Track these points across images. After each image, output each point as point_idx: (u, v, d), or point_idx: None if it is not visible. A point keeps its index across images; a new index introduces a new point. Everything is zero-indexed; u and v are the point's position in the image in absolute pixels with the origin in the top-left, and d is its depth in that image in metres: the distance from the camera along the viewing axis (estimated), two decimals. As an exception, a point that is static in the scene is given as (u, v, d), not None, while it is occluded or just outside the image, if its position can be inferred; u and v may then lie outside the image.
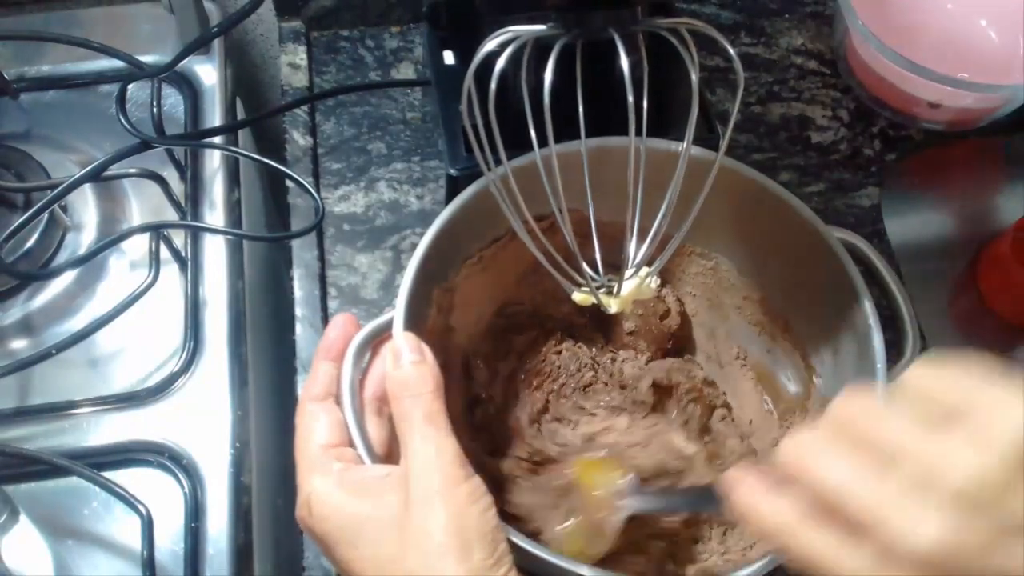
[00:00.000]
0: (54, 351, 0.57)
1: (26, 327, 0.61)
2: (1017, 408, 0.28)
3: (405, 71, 0.75)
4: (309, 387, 0.42)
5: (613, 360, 0.57)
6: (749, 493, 0.33)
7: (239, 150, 0.69)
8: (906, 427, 0.30)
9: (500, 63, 0.41)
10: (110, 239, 0.59)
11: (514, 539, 0.40)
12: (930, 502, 0.28)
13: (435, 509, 0.35)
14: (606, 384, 0.56)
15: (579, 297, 0.47)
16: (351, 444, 0.40)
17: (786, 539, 0.32)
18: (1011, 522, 0.27)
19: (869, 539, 0.29)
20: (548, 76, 0.40)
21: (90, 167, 0.57)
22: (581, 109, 0.43)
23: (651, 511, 0.47)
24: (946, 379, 0.30)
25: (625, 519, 0.45)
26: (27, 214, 0.56)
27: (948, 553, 0.28)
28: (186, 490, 0.55)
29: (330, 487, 0.38)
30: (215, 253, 0.64)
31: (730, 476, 0.34)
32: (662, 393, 0.55)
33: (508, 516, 0.50)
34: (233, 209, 0.67)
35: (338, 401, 0.41)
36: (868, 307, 0.46)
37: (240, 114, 0.76)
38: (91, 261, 0.61)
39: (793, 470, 0.31)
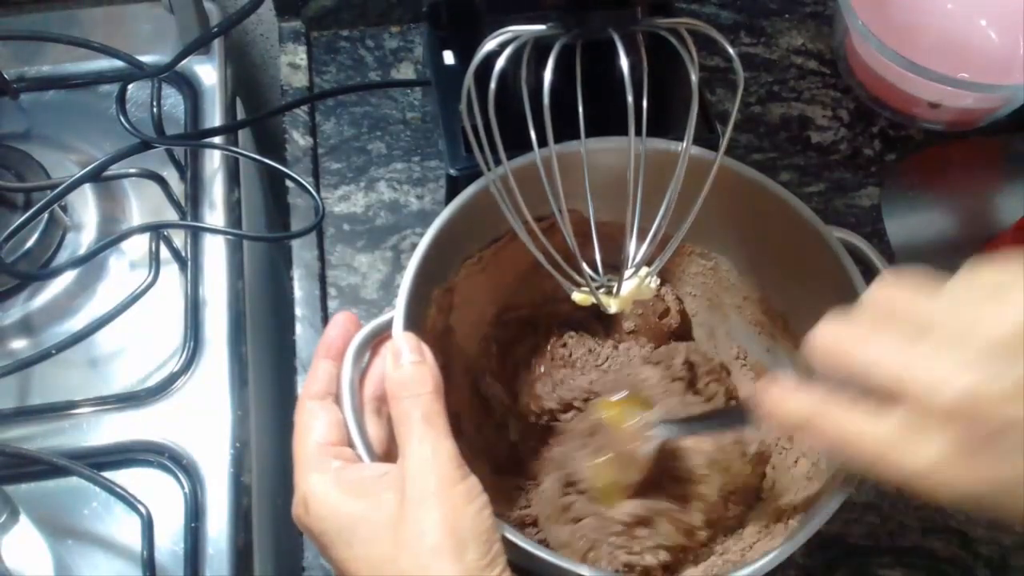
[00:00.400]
0: (54, 351, 0.57)
1: (26, 327, 0.61)
2: None
3: (405, 71, 0.75)
4: (309, 385, 0.42)
5: (616, 348, 0.57)
6: (778, 393, 0.36)
7: (239, 150, 0.69)
8: (936, 303, 0.33)
9: (500, 63, 0.41)
10: (110, 239, 0.59)
11: (514, 539, 0.40)
12: (959, 357, 0.30)
13: (430, 509, 0.35)
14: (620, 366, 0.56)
15: (579, 297, 0.47)
16: (349, 443, 0.40)
17: (816, 422, 0.34)
18: None
19: (899, 403, 0.31)
20: (548, 76, 0.40)
21: (90, 167, 0.58)
22: (581, 109, 0.43)
23: (681, 435, 0.48)
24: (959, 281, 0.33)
25: (656, 447, 0.47)
26: (27, 214, 0.56)
27: (974, 404, 0.30)
28: (186, 490, 0.55)
29: (327, 485, 0.38)
30: (215, 253, 0.64)
31: (758, 387, 0.38)
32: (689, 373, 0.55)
33: (537, 468, 0.53)
34: (233, 209, 0.68)
35: (337, 400, 0.41)
36: (868, 307, 0.46)
37: (240, 114, 0.76)
38: (91, 261, 0.61)
39: (825, 352, 0.34)
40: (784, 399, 0.36)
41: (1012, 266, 0.32)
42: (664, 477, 0.50)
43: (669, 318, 0.58)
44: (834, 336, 0.35)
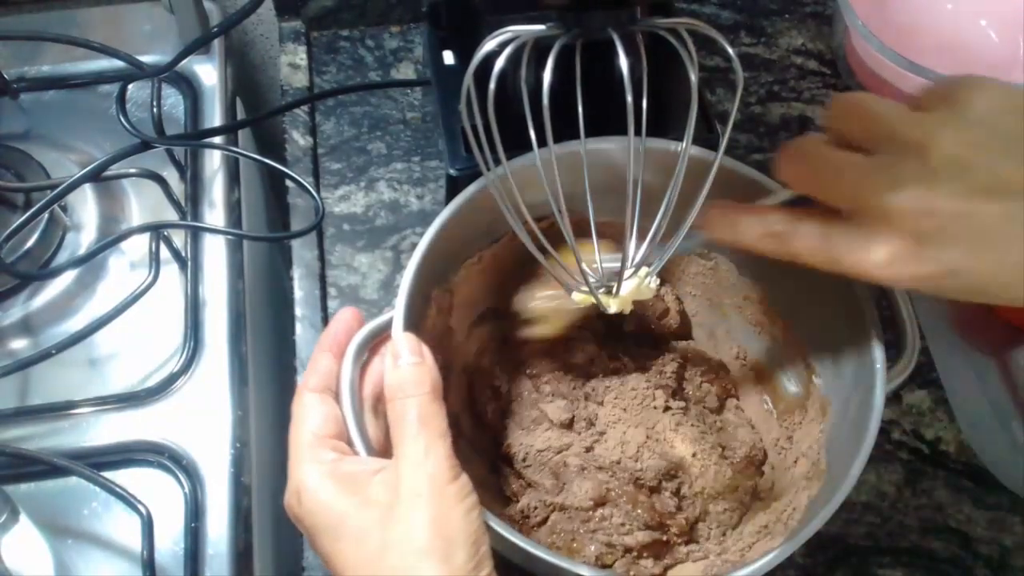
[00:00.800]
0: (54, 351, 0.57)
1: (26, 327, 0.61)
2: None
3: (405, 71, 0.75)
4: (308, 378, 0.42)
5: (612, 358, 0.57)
6: (729, 213, 0.42)
7: (239, 150, 0.69)
8: (893, 113, 0.36)
9: (500, 63, 0.41)
10: (110, 239, 0.59)
11: (514, 539, 0.40)
12: (914, 164, 0.34)
13: (419, 510, 0.36)
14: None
15: (579, 297, 0.47)
16: (346, 438, 0.41)
17: (771, 235, 0.40)
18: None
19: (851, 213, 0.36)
20: (547, 76, 0.40)
21: (90, 167, 0.58)
22: (580, 109, 0.43)
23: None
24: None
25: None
26: (27, 214, 0.56)
27: (925, 202, 0.34)
28: (186, 490, 0.55)
29: (321, 478, 0.38)
30: (215, 253, 0.64)
31: (710, 212, 0.42)
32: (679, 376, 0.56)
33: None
34: (233, 209, 0.68)
35: (336, 397, 0.41)
36: (868, 307, 0.46)
37: (240, 114, 0.76)
38: (91, 261, 0.61)
39: (794, 167, 0.39)
40: (736, 219, 0.41)
41: (975, 83, 0.36)
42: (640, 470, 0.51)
43: (669, 318, 0.58)
44: (800, 150, 0.39)
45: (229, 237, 0.65)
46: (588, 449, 0.52)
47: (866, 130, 0.37)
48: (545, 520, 0.50)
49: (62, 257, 0.63)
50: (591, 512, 0.49)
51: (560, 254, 0.46)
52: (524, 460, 0.52)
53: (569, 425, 0.53)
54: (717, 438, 0.54)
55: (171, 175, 0.67)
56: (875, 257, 0.36)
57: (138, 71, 0.64)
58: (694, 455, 0.52)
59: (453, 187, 0.59)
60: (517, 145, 0.43)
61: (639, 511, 0.49)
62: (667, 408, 0.54)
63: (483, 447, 0.54)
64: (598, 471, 0.51)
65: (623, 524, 0.49)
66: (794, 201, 0.41)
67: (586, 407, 0.54)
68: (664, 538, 0.49)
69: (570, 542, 0.49)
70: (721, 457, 0.52)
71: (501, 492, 0.53)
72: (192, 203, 0.66)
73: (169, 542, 0.54)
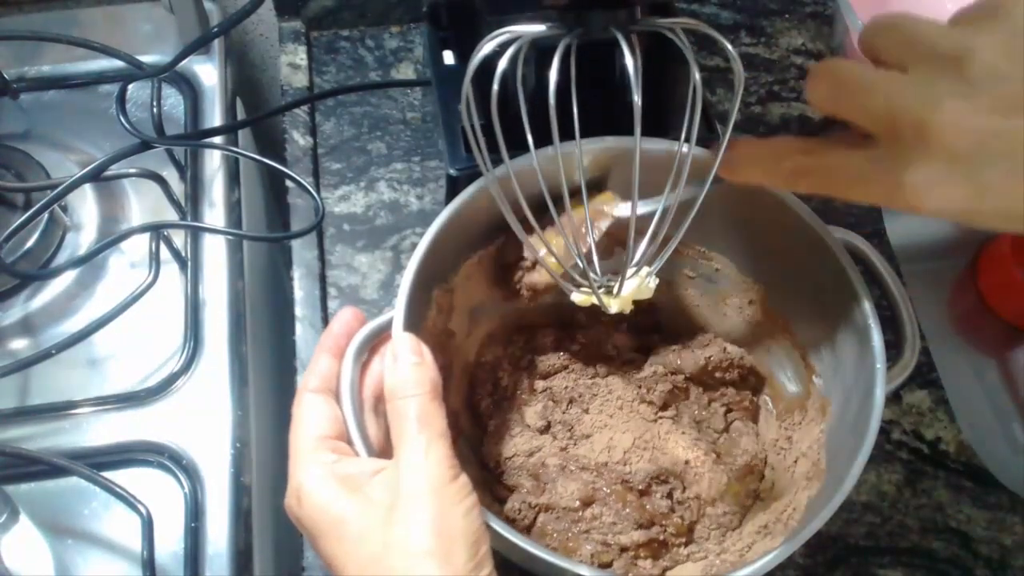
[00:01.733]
0: (54, 351, 0.57)
1: (26, 327, 0.61)
2: None
3: (405, 71, 0.75)
4: (308, 378, 0.42)
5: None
6: (745, 147, 0.40)
7: (239, 150, 0.69)
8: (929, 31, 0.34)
9: (502, 64, 0.41)
10: (110, 239, 0.59)
11: (514, 539, 0.40)
12: (947, 84, 0.33)
13: (419, 510, 0.35)
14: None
15: (579, 298, 0.47)
16: (345, 438, 0.41)
17: (787, 162, 0.38)
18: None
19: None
20: (553, 76, 0.39)
21: (90, 167, 0.57)
22: (576, 111, 0.43)
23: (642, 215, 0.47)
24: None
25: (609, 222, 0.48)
26: (27, 214, 0.56)
27: (960, 121, 0.32)
28: (186, 490, 0.55)
29: (321, 479, 0.38)
30: (215, 253, 0.64)
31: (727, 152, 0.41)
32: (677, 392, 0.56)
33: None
34: (233, 209, 0.67)
35: (336, 397, 0.41)
36: (868, 307, 0.46)
37: (240, 114, 0.76)
38: (91, 261, 0.61)
39: (826, 86, 0.36)
40: (758, 157, 0.39)
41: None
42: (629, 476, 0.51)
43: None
44: (831, 69, 0.36)
45: (229, 237, 0.65)
46: (563, 449, 0.52)
47: (903, 45, 0.35)
48: (534, 521, 0.50)
49: (62, 257, 0.63)
50: (580, 512, 0.49)
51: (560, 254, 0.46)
52: (497, 466, 0.53)
53: (546, 430, 0.54)
54: (715, 445, 0.54)
55: (171, 175, 0.67)
56: (911, 179, 0.33)
57: (138, 71, 0.64)
58: (687, 462, 0.52)
59: (453, 187, 0.59)
60: (517, 145, 0.43)
61: (628, 510, 0.49)
62: (658, 418, 0.54)
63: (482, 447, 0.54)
64: (582, 471, 0.51)
65: (615, 523, 0.49)
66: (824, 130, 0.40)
67: (567, 411, 0.54)
68: (661, 537, 0.49)
69: (565, 542, 0.49)
70: (717, 463, 0.52)
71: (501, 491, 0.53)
72: (192, 203, 0.66)
73: (169, 542, 0.54)
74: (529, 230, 0.45)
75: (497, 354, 0.57)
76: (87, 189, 0.65)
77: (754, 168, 0.41)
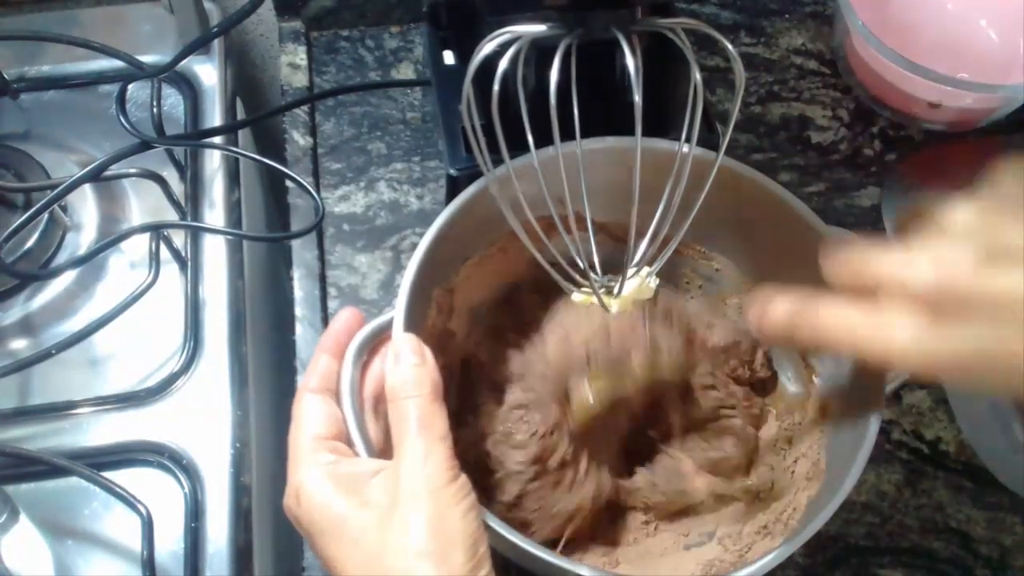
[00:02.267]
0: (54, 351, 0.57)
1: (26, 327, 0.61)
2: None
3: (405, 71, 0.75)
4: (308, 378, 0.42)
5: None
6: (760, 305, 0.40)
7: (239, 150, 0.69)
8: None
9: (503, 64, 0.41)
10: (110, 239, 0.59)
11: (514, 539, 0.40)
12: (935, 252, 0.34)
13: (418, 511, 0.36)
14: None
15: (579, 298, 0.47)
16: (345, 438, 0.41)
17: (799, 323, 0.38)
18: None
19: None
20: (555, 76, 0.39)
21: (90, 167, 0.57)
22: (576, 111, 0.43)
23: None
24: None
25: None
26: (27, 214, 0.56)
27: (946, 282, 0.33)
28: (186, 490, 0.55)
29: (320, 479, 0.38)
30: (215, 253, 0.64)
31: (748, 311, 0.41)
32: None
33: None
34: (233, 209, 0.67)
35: (336, 398, 0.41)
36: (868, 307, 0.46)
37: (240, 114, 0.76)
38: (91, 261, 0.61)
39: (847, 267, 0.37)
40: (767, 309, 0.39)
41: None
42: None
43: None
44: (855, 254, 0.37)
45: (229, 237, 0.65)
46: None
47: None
48: (516, 501, 0.50)
49: (62, 257, 0.63)
50: (539, 468, 0.49)
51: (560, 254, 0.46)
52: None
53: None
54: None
55: (171, 175, 0.67)
56: (899, 337, 0.33)
57: (138, 71, 0.64)
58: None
59: (453, 187, 0.59)
60: (517, 145, 0.43)
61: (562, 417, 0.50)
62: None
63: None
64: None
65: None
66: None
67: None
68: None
69: (550, 509, 0.49)
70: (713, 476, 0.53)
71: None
72: (192, 203, 0.66)
73: (169, 542, 0.54)
74: (529, 230, 0.45)
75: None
76: (87, 189, 0.65)
77: (776, 326, 0.40)
